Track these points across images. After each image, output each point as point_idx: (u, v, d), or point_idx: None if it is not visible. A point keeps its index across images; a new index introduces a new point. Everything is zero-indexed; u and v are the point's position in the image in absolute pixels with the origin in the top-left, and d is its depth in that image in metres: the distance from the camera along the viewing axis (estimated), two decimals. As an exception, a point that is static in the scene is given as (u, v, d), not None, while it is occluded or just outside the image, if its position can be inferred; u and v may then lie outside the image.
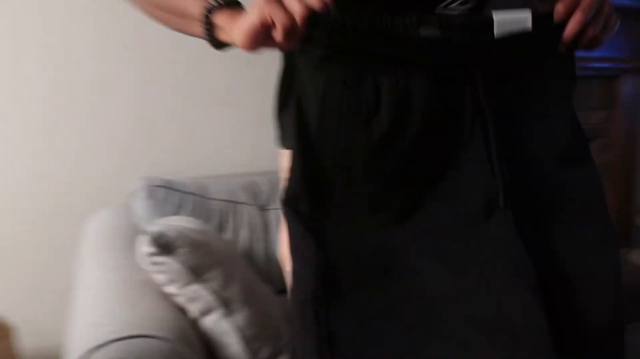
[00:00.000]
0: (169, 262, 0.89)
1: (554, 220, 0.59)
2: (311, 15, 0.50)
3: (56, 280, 1.56)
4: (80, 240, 1.37)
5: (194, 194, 1.29)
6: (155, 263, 0.90)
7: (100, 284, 0.95)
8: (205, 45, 0.60)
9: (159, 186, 1.25)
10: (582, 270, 0.59)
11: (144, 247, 0.90)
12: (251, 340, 0.93)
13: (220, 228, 1.30)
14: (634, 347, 1.52)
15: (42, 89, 1.46)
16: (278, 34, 0.50)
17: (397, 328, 0.54)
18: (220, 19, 0.55)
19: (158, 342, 0.79)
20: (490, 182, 0.56)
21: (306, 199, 0.57)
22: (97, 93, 1.52)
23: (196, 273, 0.91)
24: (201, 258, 0.91)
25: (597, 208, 0.62)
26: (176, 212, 1.23)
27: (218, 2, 0.55)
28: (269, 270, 1.32)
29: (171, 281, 0.91)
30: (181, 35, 0.66)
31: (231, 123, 1.69)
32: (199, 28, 0.57)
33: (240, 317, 0.93)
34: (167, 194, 1.25)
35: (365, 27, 0.52)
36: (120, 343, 0.77)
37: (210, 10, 0.55)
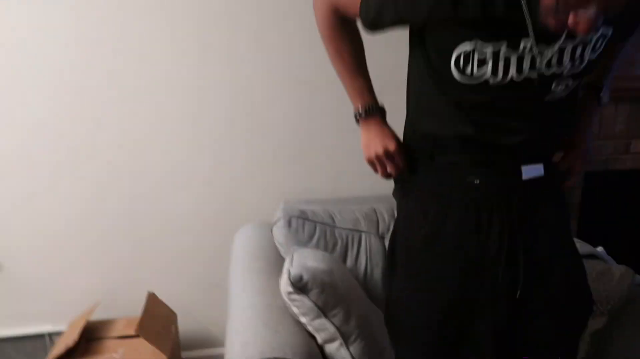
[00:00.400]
0: (303, 300, 1.13)
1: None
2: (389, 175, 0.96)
3: (209, 277, 1.93)
4: (230, 249, 1.69)
5: (323, 223, 1.52)
6: (292, 299, 1.14)
7: (250, 307, 1.22)
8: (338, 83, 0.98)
9: (296, 217, 1.50)
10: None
11: (285, 286, 1.14)
12: (364, 366, 1.14)
13: (345, 254, 1.51)
14: None
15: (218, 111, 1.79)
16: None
17: None
18: (362, 124, 0.98)
19: (293, 364, 1.04)
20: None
21: None
22: (256, 125, 1.81)
23: (323, 310, 1.13)
24: (327, 298, 1.13)
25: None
26: (309, 240, 1.48)
27: (362, 112, 0.96)
28: (384, 294, 1.51)
29: (304, 314, 1.15)
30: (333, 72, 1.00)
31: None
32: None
33: (355, 347, 1.14)
34: (302, 224, 1.49)
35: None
36: (265, 362, 1.03)
37: (358, 114, 0.97)
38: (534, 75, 0.77)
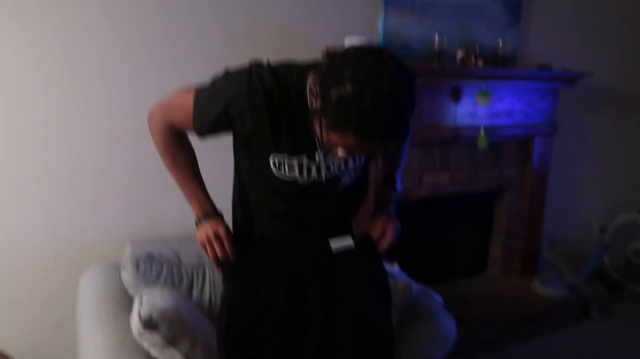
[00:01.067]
0: (153, 336, 1.30)
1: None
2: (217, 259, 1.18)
3: (52, 320, 1.93)
4: (77, 291, 1.74)
5: (169, 262, 1.69)
6: (142, 336, 1.30)
7: (101, 346, 1.34)
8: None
9: (143, 259, 1.64)
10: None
11: (136, 326, 1.30)
12: (209, 386, 1.35)
13: (190, 288, 1.70)
14: None
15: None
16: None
17: None
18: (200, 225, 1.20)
19: (144, 394, 1.21)
20: None
21: None
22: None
23: (172, 342, 1.31)
24: (175, 332, 1.32)
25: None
26: (157, 279, 1.64)
27: (202, 217, 1.20)
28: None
29: (154, 347, 1.32)
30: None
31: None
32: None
33: (201, 370, 1.35)
34: (150, 265, 1.65)
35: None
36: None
37: (197, 221, 1.21)
38: (329, 176, 1.09)
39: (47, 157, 1.80)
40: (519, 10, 2.63)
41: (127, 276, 1.62)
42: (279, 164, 1.05)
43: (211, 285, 1.75)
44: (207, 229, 1.18)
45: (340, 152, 0.95)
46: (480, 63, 2.38)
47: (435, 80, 2.32)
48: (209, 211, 1.20)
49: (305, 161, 1.06)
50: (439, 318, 1.63)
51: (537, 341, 2.64)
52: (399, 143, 0.93)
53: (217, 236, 1.17)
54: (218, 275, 1.77)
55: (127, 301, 1.57)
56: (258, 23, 2.04)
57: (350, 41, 2.04)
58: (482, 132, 2.39)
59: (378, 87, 0.84)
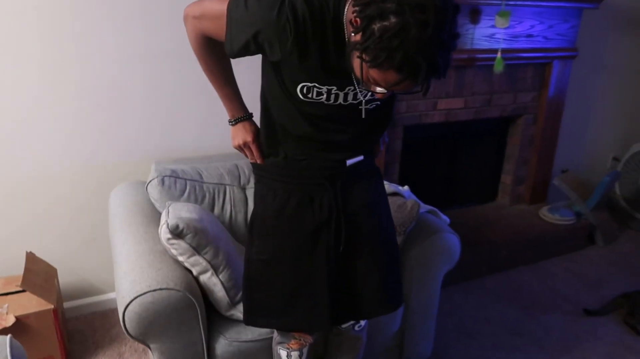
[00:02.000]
0: (180, 243, 1.42)
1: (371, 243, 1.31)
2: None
3: (86, 233, 2.09)
4: (107, 206, 1.87)
5: (192, 180, 1.79)
6: (171, 243, 1.43)
7: (134, 253, 1.47)
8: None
9: (168, 175, 1.74)
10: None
11: (164, 233, 1.42)
12: (229, 289, 1.49)
13: (212, 205, 1.81)
14: (530, 283, 2.30)
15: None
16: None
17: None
18: (232, 127, 1.30)
19: (175, 292, 1.35)
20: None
21: None
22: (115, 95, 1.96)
23: (196, 249, 1.44)
24: (200, 240, 1.44)
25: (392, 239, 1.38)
26: (181, 195, 1.74)
27: (233, 120, 1.29)
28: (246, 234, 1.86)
29: (181, 254, 1.44)
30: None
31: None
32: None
33: (224, 275, 1.48)
34: (174, 181, 1.75)
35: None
36: (152, 293, 1.32)
37: (229, 122, 1.29)
38: (355, 101, 1.12)
39: (76, 78, 1.87)
40: None
41: (154, 191, 1.73)
42: (307, 89, 1.07)
43: (231, 203, 1.85)
44: (237, 134, 1.29)
45: (379, 90, 0.95)
46: (501, -18, 2.31)
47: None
48: (240, 116, 1.29)
49: (334, 91, 1.07)
50: (444, 235, 1.72)
51: (540, 264, 2.77)
52: (442, 75, 0.90)
53: (245, 145, 1.28)
54: (237, 194, 1.88)
55: (154, 215, 1.69)
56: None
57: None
58: (499, 55, 2.36)
59: (423, 20, 0.81)
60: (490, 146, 3.01)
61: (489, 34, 2.44)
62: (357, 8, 0.87)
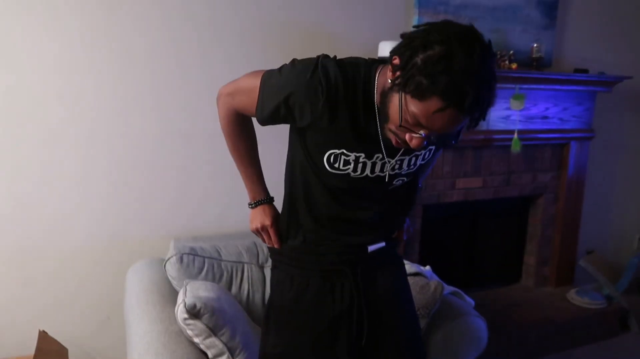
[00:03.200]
0: (196, 324, 1.38)
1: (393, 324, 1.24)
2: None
3: (100, 312, 2.05)
4: (124, 283, 1.85)
5: (211, 258, 1.78)
6: (187, 324, 1.39)
7: (148, 333, 1.43)
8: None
9: (187, 253, 1.74)
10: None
11: (181, 313, 1.38)
12: (247, 374, 1.42)
13: (230, 283, 1.78)
14: None
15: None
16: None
17: None
18: (251, 209, 1.29)
19: (189, 378, 1.28)
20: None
21: None
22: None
23: (213, 331, 1.39)
24: (217, 321, 1.39)
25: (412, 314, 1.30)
26: (199, 273, 1.72)
27: (253, 203, 1.28)
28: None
29: (197, 335, 1.39)
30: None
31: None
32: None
33: (240, 358, 1.42)
34: (192, 259, 1.74)
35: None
36: (166, 378, 1.26)
37: (249, 205, 1.28)
38: (382, 173, 1.08)
39: (97, 155, 1.93)
40: (554, 13, 2.62)
41: (172, 269, 1.71)
42: (335, 158, 1.05)
43: (249, 282, 1.82)
44: (256, 217, 1.26)
45: (415, 141, 0.91)
46: (514, 66, 2.39)
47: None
48: (261, 198, 1.27)
49: (362, 159, 1.05)
50: (470, 319, 1.65)
51: (571, 352, 2.60)
52: (483, 115, 0.86)
53: (263, 229, 1.25)
54: (255, 273, 1.85)
55: (171, 294, 1.66)
56: (293, 23, 2.12)
57: (384, 46, 2.09)
58: (515, 135, 2.40)
59: (468, 48, 0.81)
60: (511, 226, 2.96)
61: (504, 116, 2.50)
62: (396, 53, 0.88)
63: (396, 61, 0.88)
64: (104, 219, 1.98)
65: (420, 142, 0.91)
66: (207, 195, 2.12)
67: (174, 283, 1.71)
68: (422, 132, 0.90)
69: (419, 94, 0.84)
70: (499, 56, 2.40)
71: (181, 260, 1.72)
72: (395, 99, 0.90)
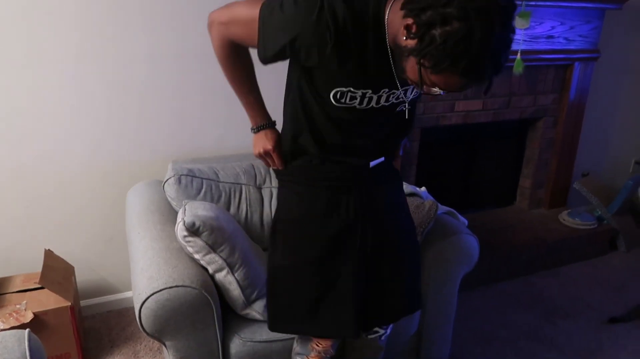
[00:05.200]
0: (196, 241, 1.42)
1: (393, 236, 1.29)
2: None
3: (104, 232, 2.11)
4: (125, 204, 1.89)
5: (209, 179, 1.79)
6: (187, 241, 1.42)
7: (151, 250, 1.47)
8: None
9: (185, 174, 1.75)
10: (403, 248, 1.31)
11: (180, 231, 1.42)
12: (245, 288, 1.48)
13: (228, 204, 1.81)
14: (552, 286, 2.26)
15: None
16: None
17: None
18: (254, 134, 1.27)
19: (191, 289, 1.34)
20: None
21: None
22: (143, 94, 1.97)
23: (212, 247, 1.43)
24: (216, 238, 1.43)
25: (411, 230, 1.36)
26: (197, 194, 1.74)
27: (255, 128, 1.27)
28: (261, 233, 1.86)
29: (197, 252, 1.44)
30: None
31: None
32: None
33: (239, 273, 1.47)
34: (190, 180, 1.75)
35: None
36: (169, 290, 1.32)
37: (252, 129, 1.27)
38: (387, 103, 1.08)
39: (90, 78, 1.89)
40: None
41: (170, 190, 1.73)
42: (341, 95, 1.04)
43: (247, 202, 1.85)
44: (258, 142, 1.27)
45: (435, 91, 0.92)
46: (521, -18, 2.28)
47: None
48: (263, 123, 1.27)
49: (369, 94, 1.05)
50: (462, 237, 1.69)
51: (559, 270, 2.71)
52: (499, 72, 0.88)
53: (266, 153, 1.26)
54: (253, 194, 1.88)
55: (171, 213, 1.70)
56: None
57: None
58: (518, 56, 2.33)
59: (488, 24, 0.79)
60: (509, 149, 2.97)
61: (508, 35, 2.41)
62: (410, 12, 0.84)
63: (409, 22, 0.85)
64: (102, 142, 1.98)
65: (439, 94, 0.94)
66: (204, 117, 2.10)
67: (173, 203, 1.74)
68: (442, 91, 0.92)
69: (440, 71, 0.85)
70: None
71: (179, 181, 1.74)
72: (412, 62, 0.89)
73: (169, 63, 1.97)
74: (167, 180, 1.76)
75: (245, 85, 1.22)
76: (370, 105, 1.07)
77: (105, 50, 1.87)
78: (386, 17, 0.95)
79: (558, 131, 2.85)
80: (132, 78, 1.94)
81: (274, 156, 1.26)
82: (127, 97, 1.95)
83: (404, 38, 0.88)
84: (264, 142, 1.26)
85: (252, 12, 1.01)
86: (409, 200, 1.67)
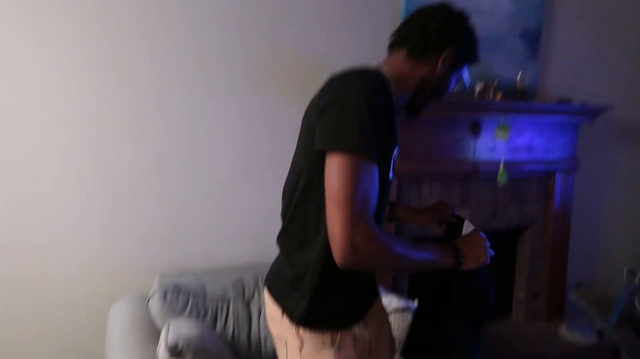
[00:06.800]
0: (178, 364, 1.32)
1: None
2: None
3: (84, 348, 1.95)
4: (107, 322, 1.77)
5: (195, 295, 1.73)
6: (169, 364, 1.32)
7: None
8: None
9: (170, 290, 1.69)
10: None
11: (162, 353, 1.32)
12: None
13: (215, 321, 1.73)
14: None
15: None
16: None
17: None
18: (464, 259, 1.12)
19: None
20: None
21: None
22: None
23: (196, 371, 1.33)
24: (200, 361, 1.34)
25: None
26: (183, 309, 1.67)
27: (459, 260, 1.11)
28: (249, 353, 1.75)
29: (179, 376, 1.33)
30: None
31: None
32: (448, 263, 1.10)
33: (224, 400, 1.36)
34: (176, 296, 1.68)
35: None
36: None
37: (458, 264, 1.11)
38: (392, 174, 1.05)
39: (87, 183, 1.89)
40: (537, 43, 2.67)
41: (155, 306, 1.66)
42: (394, 158, 1.04)
43: (234, 319, 1.77)
44: (472, 249, 1.16)
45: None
46: (498, 96, 2.42)
47: (454, 114, 2.36)
48: (449, 250, 1.10)
49: (395, 154, 1.04)
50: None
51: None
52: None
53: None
54: (241, 310, 1.79)
55: (154, 332, 1.60)
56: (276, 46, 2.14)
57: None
58: (501, 167, 2.41)
59: (469, 21, 1.15)
60: (499, 259, 2.93)
61: (490, 147, 2.52)
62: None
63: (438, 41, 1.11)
64: (86, 254, 1.92)
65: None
66: (193, 229, 2.07)
67: (157, 321, 1.66)
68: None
69: (470, 62, 1.22)
70: (484, 86, 2.43)
71: (165, 296, 1.67)
72: (446, 67, 1.13)
73: (156, 172, 1.99)
74: (152, 296, 1.69)
75: (408, 248, 0.98)
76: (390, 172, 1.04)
77: (95, 158, 1.89)
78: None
79: (546, 240, 2.86)
80: (120, 185, 1.95)
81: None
82: (112, 206, 1.94)
83: (439, 68, 1.13)
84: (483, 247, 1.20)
85: (348, 170, 0.88)
86: (401, 315, 1.61)
